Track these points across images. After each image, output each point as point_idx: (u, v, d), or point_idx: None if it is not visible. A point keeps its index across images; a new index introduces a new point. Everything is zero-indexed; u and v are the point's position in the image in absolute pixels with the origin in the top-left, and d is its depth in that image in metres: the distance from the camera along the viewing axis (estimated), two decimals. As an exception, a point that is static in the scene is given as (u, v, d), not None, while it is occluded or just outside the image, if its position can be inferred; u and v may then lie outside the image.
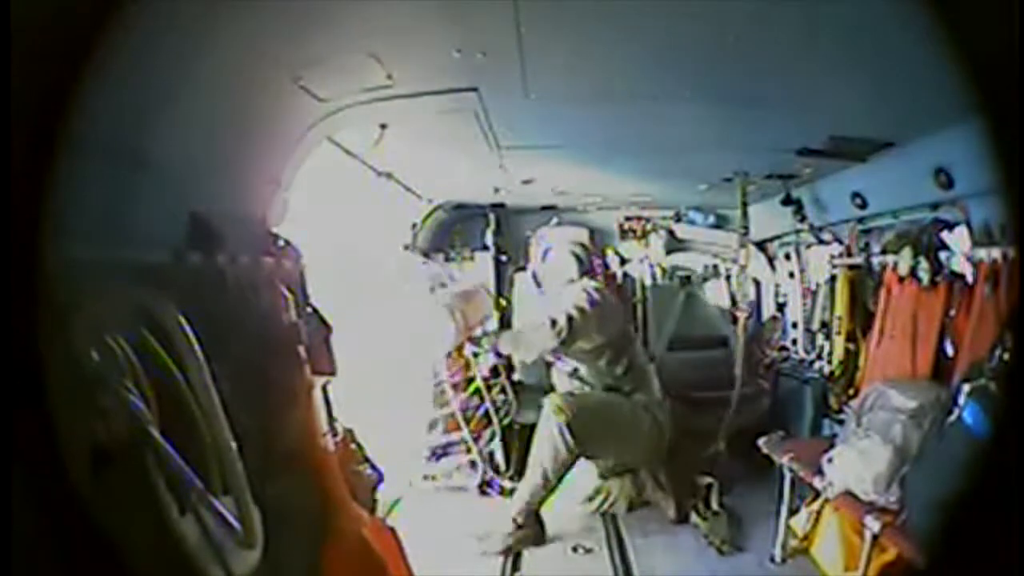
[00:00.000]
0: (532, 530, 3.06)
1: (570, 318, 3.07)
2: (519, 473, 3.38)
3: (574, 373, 3.32)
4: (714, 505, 3.26)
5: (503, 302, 4.51)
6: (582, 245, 3.68)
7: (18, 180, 0.70)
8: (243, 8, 1.20)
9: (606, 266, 4.64)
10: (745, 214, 3.44)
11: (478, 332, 3.42)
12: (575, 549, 3.00)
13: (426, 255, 4.46)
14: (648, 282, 4.62)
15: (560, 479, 3.08)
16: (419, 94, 1.87)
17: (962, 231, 2.47)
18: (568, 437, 3.01)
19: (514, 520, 3.04)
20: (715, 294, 4.63)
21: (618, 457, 3.27)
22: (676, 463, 3.39)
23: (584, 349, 3.23)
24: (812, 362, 3.73)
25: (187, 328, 1.09)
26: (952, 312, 2.52)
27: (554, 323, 3.07)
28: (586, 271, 3.52)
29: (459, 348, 3.49)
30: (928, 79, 1.15)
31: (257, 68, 1.41)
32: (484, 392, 3.64)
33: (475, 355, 3.67)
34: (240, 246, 1.48)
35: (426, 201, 3.98)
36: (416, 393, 3.60)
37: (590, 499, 3.35)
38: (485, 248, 4.58)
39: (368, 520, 1.84)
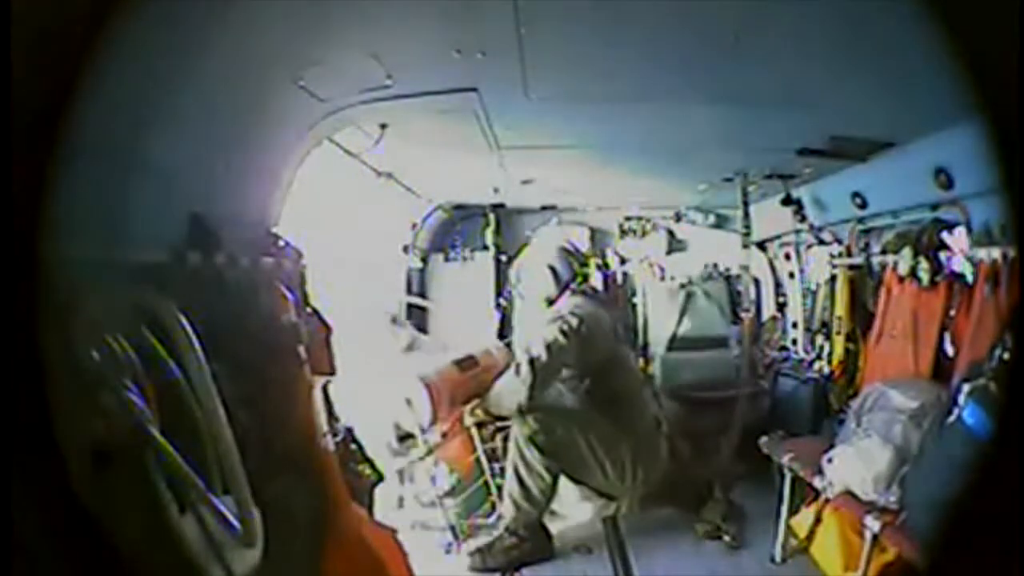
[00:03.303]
0: (535, 542, 2.89)
1: (532, 361, 2.79)
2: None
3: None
4: (716, 494, 3.22)
5: (503, 302, 4.51)
6: (564, 251, 3.25)
7: (18, 180, 0.70)
8: (243, 8, 1.20)
9: (606, 266, 4.63)
10: (747, 214, 3.44)
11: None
12: (575, 549, 3.00)
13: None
14: (649, 286, 4.57)
15: (547, 494, 2.86)
16: (419, 94, 1.87)
17: (962, 231, 2.47)
18: (535, 451, 2.80)
19: (514, 532, 2.87)
20: (718, 294, 4.61)
21: (597, 483, 3.00)
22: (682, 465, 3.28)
23: (562, 377, 2.98)
24: (812, 362, 3.73)
25: (187, 328, 1.09)
26: (952, 312, 2.52)
27: (517, 369, 2.81)
28: (567, 284, 3.13)
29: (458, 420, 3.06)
30: (928, 79, 1.15)
31: (257, 68, 1.41)
32: (478, 444, 3.12)
33: (479, 426, 3.13)
34: (240, 246, 1.48)
35: (426, 201, 3.99)
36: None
37: (605, 503, 3.20)
38: (485, 248, 4.58)
39: (368, 520, 1.84)
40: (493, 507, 3.00)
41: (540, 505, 2.88)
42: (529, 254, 3.33)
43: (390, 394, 2.78)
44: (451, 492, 2.99)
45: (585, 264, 3.33)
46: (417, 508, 3.12)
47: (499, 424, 3.14)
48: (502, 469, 3.03)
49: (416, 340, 3.43)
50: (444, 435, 2.97)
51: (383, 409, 2.81)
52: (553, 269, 3.16)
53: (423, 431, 2.77)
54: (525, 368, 2.80)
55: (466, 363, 2.99)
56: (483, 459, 3.05)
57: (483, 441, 3.08)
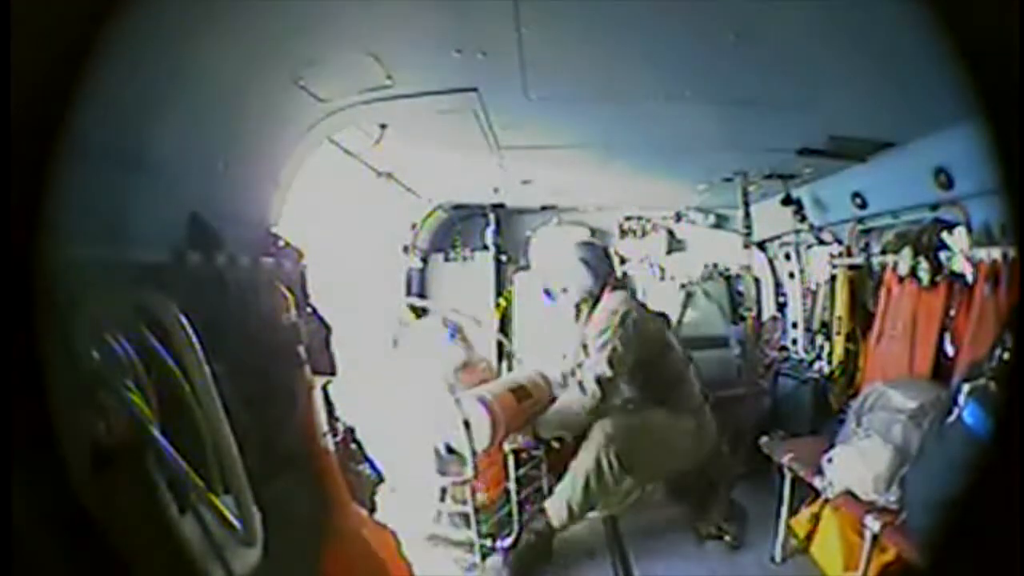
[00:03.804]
0: (543, 549, 2.85)
1: (599, 380, 2.78)
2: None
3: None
4: (717, 494, 3.19)
5: (503, 303, 4.51)
6: (588, 245, 3.19)
7: (18, 180, 0.70)
8: (243, 8, 1.20)
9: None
10: (747, 214, 3.44)
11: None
12: (575, 550, 2.99)
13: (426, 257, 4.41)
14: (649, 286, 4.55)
15: (594, 504, 2.84)
16: (419, 94, 1.87)
17: (962, 231, 2.47)
18: (616, 465, 2.74)
19: (535, 531, 2.82)
20: (718, 294, 4.60)
21: (659, 475, 3.10)
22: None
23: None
24: (812, 362, 3.73)
25: (187, 328, 1.09)
26: (952, 312, 2.52)
27: (582, 387, 2.81)
28: (606, 279, 3.06)
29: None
30: (928, 79, 1.15)
31: (257, 68, 1.41)
32: (511, 470, 3.02)
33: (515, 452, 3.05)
34: (240, 246, 1.48)
35: (426, 201, 3.99)
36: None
37: (622, 500, 3.14)
38: (485, 248, 4.58)
39: (368, 520, 1.84)
40: (511, 531, 2.96)
41: (584, 511, 2.84)
42: (551, 255, 3.28)
43: (445, 412, 2.72)
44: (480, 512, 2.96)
45: (608, 256, 3.25)
46: (436, 524, 3.08)
47: (532, 453, 3.13)
48: (528, 496, 3.03)
49: (472, 358, 3.30)
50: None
51: (438, 426, 2.76)
52: (587, 263, 3.10)
53: (474, 455, 2.71)
54: (593, 387, 2.78)
55: (520, 392, 2.92)
56: (513, 486, 3.01)
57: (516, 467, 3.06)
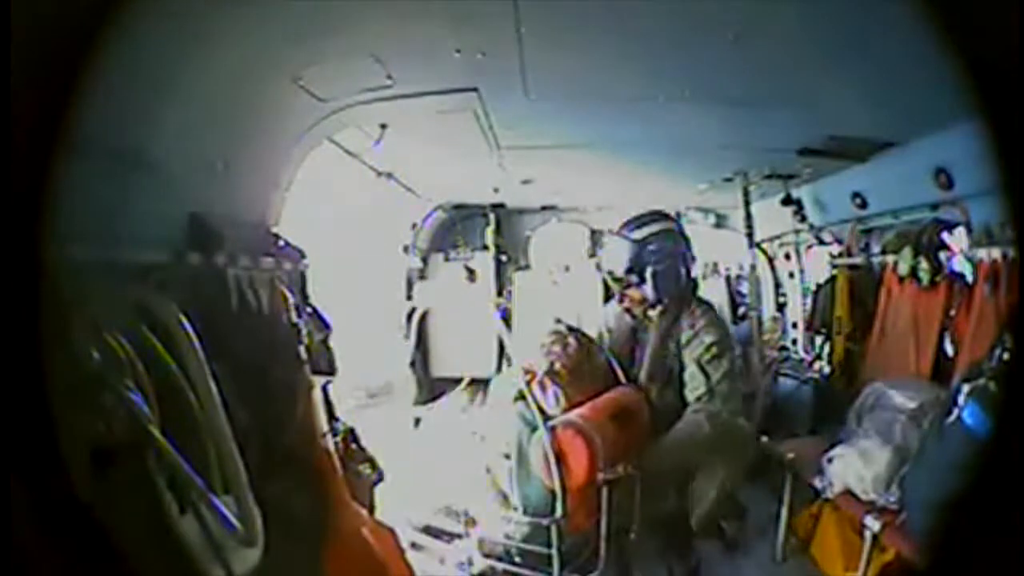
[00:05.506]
0: None
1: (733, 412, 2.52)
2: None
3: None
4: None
5: (502, 301, 4.51)
6: (680, 237, 2.82)
7: (18, 180, 0.70)
8: (244, 9, 1.20)
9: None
10: (748, 214, 3.44)
11: None
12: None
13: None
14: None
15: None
16: (419, 94, 1.87)
17: (962, 231, 2.47)
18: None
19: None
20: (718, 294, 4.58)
21: None
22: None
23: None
24: (812, 362, 3.73)
25: (187, 327, 1.10)
26: (952, 312, 2.52)
27: (709, 419, 2.44)
28: (695, 285, 2.79)
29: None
30: (928, 79, 1.15)
31: (257, 68, 1.41)
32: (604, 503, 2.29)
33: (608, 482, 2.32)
34: (240, 246, 1.48)
35: (426, 201, 3.99)
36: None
37: None
38: (485, 248, 4.58)
39: (368, 520, 1.84)
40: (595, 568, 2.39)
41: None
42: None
43: (536, 444, 2.29)
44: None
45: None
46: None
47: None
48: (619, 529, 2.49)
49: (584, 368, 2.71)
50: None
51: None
52: (685, 259, 2.79)
53: (566, 492, 2.25)
54: (710, 430, 2.43)
55: (622, 417, 2.44)
56: (604, 520, 2.35)
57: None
